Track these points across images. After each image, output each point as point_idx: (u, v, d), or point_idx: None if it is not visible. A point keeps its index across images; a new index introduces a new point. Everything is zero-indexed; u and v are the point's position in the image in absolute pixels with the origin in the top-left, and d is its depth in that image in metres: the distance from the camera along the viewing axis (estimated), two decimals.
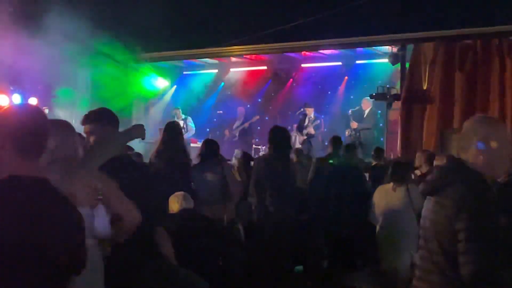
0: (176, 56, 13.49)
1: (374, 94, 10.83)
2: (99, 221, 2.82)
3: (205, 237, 4.91)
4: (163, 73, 14.10)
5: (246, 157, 7.38)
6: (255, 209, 5.99)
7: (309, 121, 11.86)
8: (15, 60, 9.77)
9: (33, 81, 11.14)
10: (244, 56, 13.45)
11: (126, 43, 12.06)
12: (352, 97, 12.72)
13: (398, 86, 10.86)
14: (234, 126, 13.26)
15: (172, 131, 6.16)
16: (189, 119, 12.60)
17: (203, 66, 14.63)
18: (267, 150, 6.64)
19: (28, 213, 1.98)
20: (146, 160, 6.59)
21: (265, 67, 14.05)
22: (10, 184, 2.01)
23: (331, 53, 12.64)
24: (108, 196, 2.86)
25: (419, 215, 2.75)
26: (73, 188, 2.63)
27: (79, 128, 3.45)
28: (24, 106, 2.72)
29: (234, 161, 7.61)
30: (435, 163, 6.27)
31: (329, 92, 13.44)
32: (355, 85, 12.80)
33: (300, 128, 11.86)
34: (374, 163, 8.01)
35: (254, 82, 14.29)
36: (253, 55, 13.51)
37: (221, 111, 14.36)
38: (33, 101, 10.43)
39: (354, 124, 11.41)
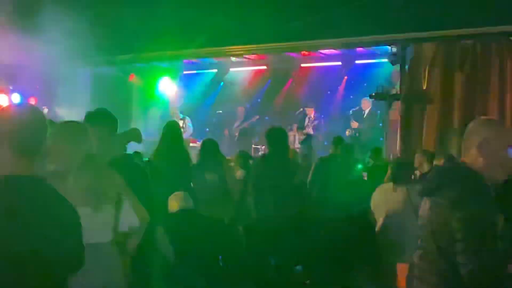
0: (176, 56, 13.47)
1: (374, 94, 10.82)
2: (127, 216, 2.87)
3: (205, 237, 4.91)
4: (163, 73, 14.08)
5: (245, 157, 7.37)
6: (254, 209, 5.99)
7: (309, 121, 11.86)
8: (15, 60, 9.76)
9: (33, 81, 11.14)
10: (244, 56, 13.44)
11: (126, 43, 12.05)
12: (352, 97, 12.70)
13: (398, 86, 10.84)
14: (234, 126, 13.25)
15: (172, 130, 6.16)
16: (187, 119, 12.57)
17: (203, 66, 14.62)
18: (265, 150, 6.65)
19: (26, 213, 1.97)
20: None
21: (265, 67, 14.04)
22: (8, 183, 2.01)
23: (331, 53, 12.62)
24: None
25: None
26: (100, 185, 2.67)
27: None
28: (22, 105, 2.72)
29: (233, 161, 7.61)
30: (435, 163, 6.27)
31: (328, 92, 13.43)
32: (355, 85, 12.79)
33: (300, 128, 11.86)
34: (372, 163, 8.01)
35: (254, 82, 14.28)
36: (253, 55, 13.51)
37: (220, 111, 14.35)
38: (32, 100, 10.44)
39: (355, 124, 11.41)
